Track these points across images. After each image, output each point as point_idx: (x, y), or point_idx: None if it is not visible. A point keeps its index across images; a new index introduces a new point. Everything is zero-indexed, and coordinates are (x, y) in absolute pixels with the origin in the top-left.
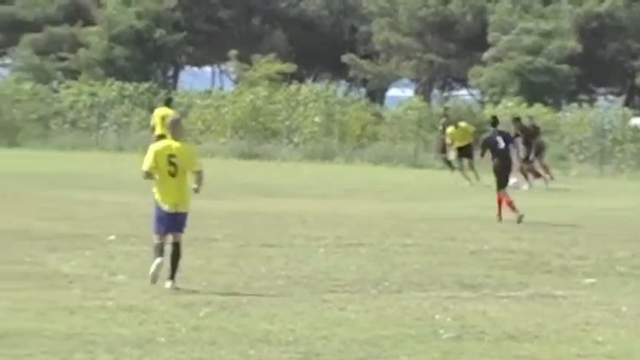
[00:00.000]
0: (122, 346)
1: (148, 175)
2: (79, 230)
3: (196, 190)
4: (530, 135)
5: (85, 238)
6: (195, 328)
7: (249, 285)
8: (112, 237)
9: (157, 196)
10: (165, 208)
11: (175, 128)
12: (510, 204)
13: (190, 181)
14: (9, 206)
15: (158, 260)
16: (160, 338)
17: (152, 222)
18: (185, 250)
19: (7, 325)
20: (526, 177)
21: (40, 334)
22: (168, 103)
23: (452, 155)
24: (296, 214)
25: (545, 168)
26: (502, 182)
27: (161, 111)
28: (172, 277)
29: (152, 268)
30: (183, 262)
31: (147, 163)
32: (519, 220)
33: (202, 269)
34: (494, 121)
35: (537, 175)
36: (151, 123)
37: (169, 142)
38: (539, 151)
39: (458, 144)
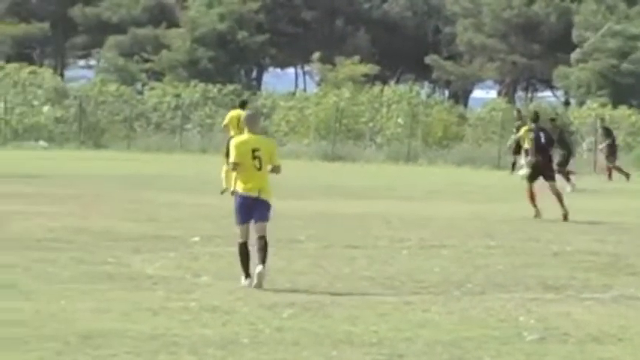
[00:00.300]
0: (205, 347)
1: (236, 166)
2: (163, 232)
3: (274, 170)
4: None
5: (169, 239)
6: (279, 329)
7: (333, 286)
8: (196, 238)
9: (238, 187)
10: (247, 193)
11: (253, 122)
12: (532, 196)
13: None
14: (94, 207)
15: (247, 282)
16: (244, 339)
17: (235, 215)
18: (269, 251)
19: (91, 326)
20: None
21: (123, 334)
22: (242, 105)
23: (522, 159)
24: (379, 215)
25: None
26: (532, 176)
27: (235, 112)
28: (263, 262)
29: (242, 284)
30: (267, 263)
31: (233, 155)
32: (537, 215)
33: (286, 270)
34: (536, 117)
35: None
36: (224, 124)
37: (249, 137)
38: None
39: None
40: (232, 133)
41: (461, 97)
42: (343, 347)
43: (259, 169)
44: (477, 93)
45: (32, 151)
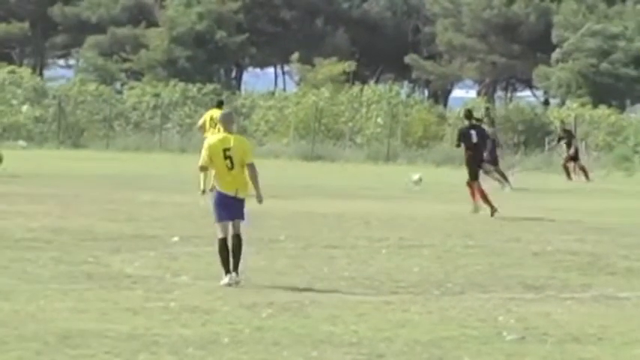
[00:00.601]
0: (185, 347)
1: (203, 169)
2: (142, 231)
3: (259, 200)
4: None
5: (149, 239)
6: (259, 329)
7: (312, 286)
8: (176, 238)
9: (217, 184)
10: (225, 191)
11: (228, 121)
12: (483, 195)
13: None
14: (73, 207)
15: (228, 279)
16: (224, 339)
17: (214, 211)
18: (248, 251)
19: (70, 326)
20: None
21: (103, 334)
22: (219, 105)
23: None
24: (359, 215)
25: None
26: (473, 174)
27: (211, 112)
28: (236, 268)
29: (223, 282)
30: (246, 263)
31: (202, 158)
32: (493, 213)
33: (266, 270)
34: (469, 115)
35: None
36: (199, 123)
37: (223, 136)
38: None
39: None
40: (208, 133)
41: (440, 96)
42: (323, 347)
43: (230, 168)
44: (457, 93)
45: (11, 151)
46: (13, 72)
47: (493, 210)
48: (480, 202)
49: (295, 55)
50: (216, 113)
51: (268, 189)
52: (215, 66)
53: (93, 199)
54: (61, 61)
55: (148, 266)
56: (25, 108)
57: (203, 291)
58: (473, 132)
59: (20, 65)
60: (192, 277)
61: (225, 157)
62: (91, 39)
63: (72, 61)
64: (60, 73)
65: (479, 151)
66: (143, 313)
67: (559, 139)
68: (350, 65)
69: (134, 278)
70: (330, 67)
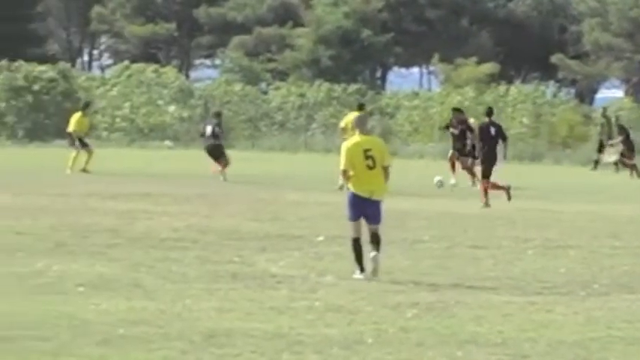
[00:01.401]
0: (329, 347)
1: (346, 173)
2: (287, 231)
3: (385, 171)
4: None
5: (294, 238)
6: (403, 329)
7: (457, 286)
8: (321, 238)
9: (352, 186)
10: (359, 192)
11: (362, 123)
12: (490, 186)
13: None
14: (219, 207)
15: (361, 276)
16: (368, 339)
17: (347, 209)
18: (392, 251)
19: (216, 324)
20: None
21: (248, 333)
22: (360, 108)
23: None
24: (504, 215)
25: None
26: (488, 171)
27: (352, 115)
28: (377, 249)
29: (356, 276)
30: (390, 262)
31: (343, 161)
32: (484, 206)
33: (410, 270)
34: (490, 112)
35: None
36: (341, 125)
37: (360, 138)
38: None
39: None
40: (347, 135)
41: (586, 96)
42: (468, 347)
43: (372, 168)
44: (603, 92)
45: (157, 151)
46: (159, 72)
47: (485, 204)
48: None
49: (436, 56)
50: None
51: (413, 189)
52: (360, 66)
53: (239, 199)
54: (207, 62)
55: (293, 266)
56: (171, 108)
57: (347, 291)
58: (492, 129)
59: (166, 66)
60: (336, 277)
61: (367, 157)
62: (236, 39)
63: (217, 62)
64: (206, 74)
65: (494, 148)
66: (288, 312)
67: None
68: (493, 67)
69: (279, 278)
70: (472, 68)
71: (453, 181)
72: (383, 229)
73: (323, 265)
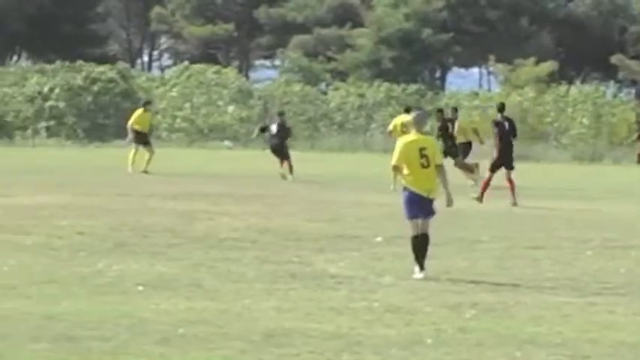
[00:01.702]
0: (388, 347)
1: (396, 168)
2: (346, 231)
3: (449, 203)
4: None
5: (353, 239)
6: (462, 330)
7: (516, 287)
8: (379, 238)
9: (409, 184)
10: (418, 191)
11: (421, 122)
12: (486, 183)
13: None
14: (278, 207)
15: (421, 275)
16: (427, 339)
17: (405, 208)
18: (451, 251)
19: (275, 324)
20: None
21: (306, 333)
22: (407, 110)
23: None
24: (563, 215)
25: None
26: (497, 167)
27: (401, 117)
28: (422, 267)
29: (414, 274)
30: (449, 263)
31: (396, 157)
32: (478, 200)
33: (469, 270)
34: (502, 107)
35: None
36: (389, 128)
37: (416, 136)
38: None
39: None
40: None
41: None
42: (527, 348)
43: (426, 167)
44: None
45: (217, 151)
46: (219, 73)
47: (479, 199)
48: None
49: (492, 57)
50: (405, 119)
51: (470, 190)
52: (419, 66)
53: (297, 200)
54: (266, 62)
55: (352, 266)
56: (230, 109)
57: (406, 291)
58: (506, 123)
59: (226, 66)
60: (395, 278)
61: (422, 156)
62: (296, 39)
63: (277, 62)
64: (265, 74)
65: (510, 142)
66: (347, 313)
67: None
68: (551, 65)
69: (338, 278)
70: (530, 67)
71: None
72: (441, 229)
73: (382, 265)
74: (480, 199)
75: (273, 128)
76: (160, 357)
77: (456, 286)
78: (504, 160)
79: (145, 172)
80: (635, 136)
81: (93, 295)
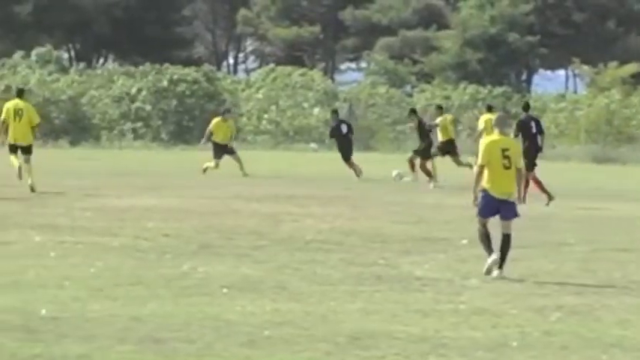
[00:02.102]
0: (474, 350)
1: (482, 168)
2: (431, 234)
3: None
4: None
5: (438, 241)
6: (547, 333)
7: (602, 290)
8: (465, 241)
9: (488, 185)
10: (496, 195)
11: (503, 123)
12: (538, 183)
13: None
14: (362, 209)
15: (494, 257)
16: (512, 342)
17: (479, 208)
18: (536, 254)
19: (360, 326)
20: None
21: (392, 335)
22: (489, 109)
23: None
24: None
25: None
26: (531, 165)
27: (486, 116)
28: (501, 266)
29: (488, 263)
30: (535, 265)
31: (482, 156)
32: (550, 199)
33: (554, 273)
34: (527, 107)
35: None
36: (480, 129)
37: (498, 137)
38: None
39: None
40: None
41: None
42: (613, 351)
43: (508, 167)
44: None
45: (302, 154)
46: (304, 75)
47: (550, 198)
48: (537, 190)
49: (577, 60)
50: (491, 116)
51: (558, 192)
52: (506, 68)
53: (382, 202)
54: (352, 65)
55: (437, 268)
56: (316, 111)
57: (492, 294)
58: (532, 123)
59: (311, 68)
60: (481, 280)
61: (504, 157)
62: (381, 42)
63: (362, 64)
64: (351, 77)
65: (535, 142)
66: (433, 315)
67: None
68: (635, 67)
69: (424, 280)
70: (613, 70)
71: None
72: (526, 232)
73: (467, 267)
74: (550, 199)
75: (344, 129)
76: (246, 359)
77: (541, 289)
78: (528, 159)
79: (245, 174)
80: None
81: (178, 297)
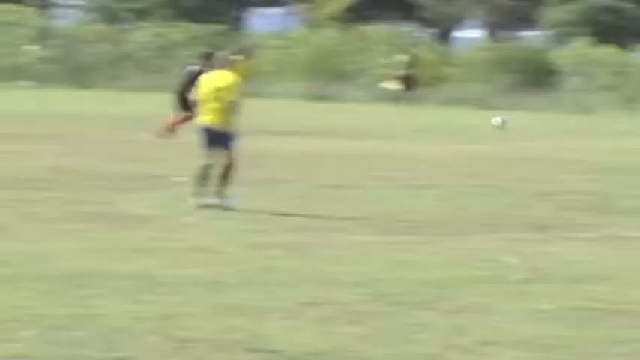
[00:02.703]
0: (192, 287)
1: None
2: (147, 171)
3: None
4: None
5: (155, 179)
6: (265, 269)
7: (319, 226)
8: (181, 179)
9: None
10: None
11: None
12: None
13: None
14: (79, 147)
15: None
16: (230, 279)
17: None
18: (254, 192)
19: (77, 265)
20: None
21: (109, 274)
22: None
23: None
24: (365, 155)
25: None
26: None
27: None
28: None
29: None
30: (253, 202)
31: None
32: None
33: (272, 210)
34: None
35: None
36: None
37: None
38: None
39: None
40: None
41: (446, 37)
42: (330, 287)
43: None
44: (462, 33)
45: (17, 91)
46: (19, 13)
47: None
48: None
49: None
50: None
51: (276, 129)
52: (221, 6)
53: (98, 140)
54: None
55: (155, 206)
56: (31, 48)
57: (210, 231)
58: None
59: (27, 6)
60: (199, 218)
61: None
62: None
63: (78, 1)
64: (67, 14)
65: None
66: (150, 253)
67: None
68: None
69: (141, 218)
70: (330, 4)
71: None
72: (244, 170)
73: (185, 205)
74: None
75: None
76: None
77: (259, 226)
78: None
79: None
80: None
81: None
